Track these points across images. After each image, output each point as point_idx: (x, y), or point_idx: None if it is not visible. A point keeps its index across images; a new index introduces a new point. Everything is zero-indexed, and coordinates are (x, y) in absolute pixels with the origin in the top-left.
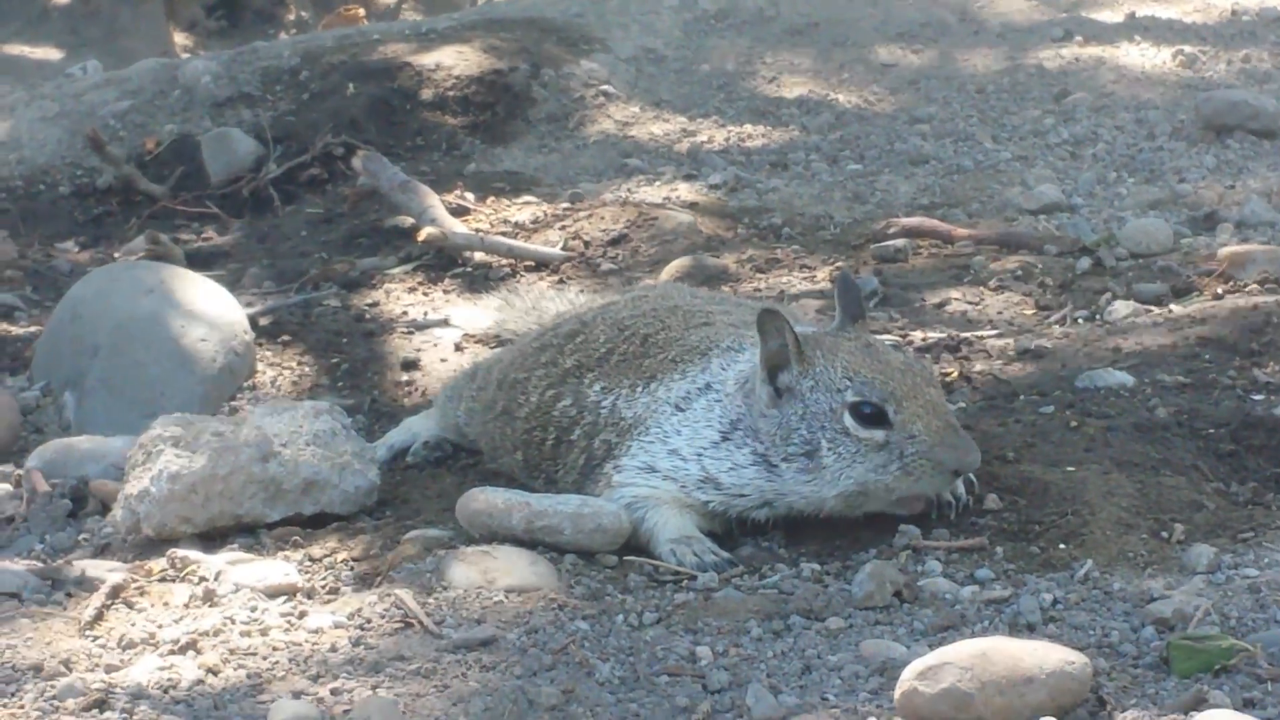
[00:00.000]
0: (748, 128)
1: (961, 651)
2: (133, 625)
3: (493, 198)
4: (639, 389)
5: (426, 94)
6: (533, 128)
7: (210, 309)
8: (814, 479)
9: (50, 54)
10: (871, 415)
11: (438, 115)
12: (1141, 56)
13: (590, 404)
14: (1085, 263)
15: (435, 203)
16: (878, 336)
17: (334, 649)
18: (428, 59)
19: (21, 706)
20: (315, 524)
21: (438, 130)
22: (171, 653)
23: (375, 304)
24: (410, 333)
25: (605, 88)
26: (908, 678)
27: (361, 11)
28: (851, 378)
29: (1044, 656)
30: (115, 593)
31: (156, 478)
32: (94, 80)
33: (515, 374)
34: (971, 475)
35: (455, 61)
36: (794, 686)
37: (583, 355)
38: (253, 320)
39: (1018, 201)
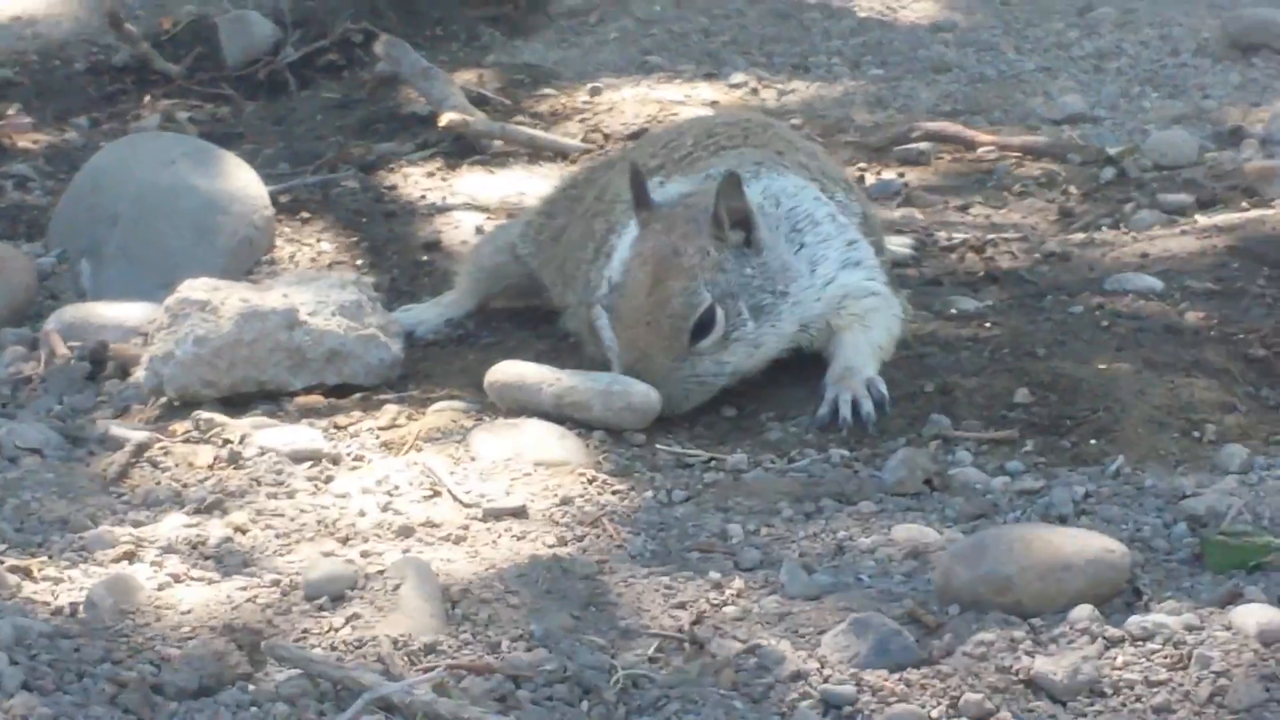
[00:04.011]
0: (769, 29)
1: (1001, 535)
2: (158, 484)
3: (512, 89)
4: None
5: None
6: (553, 22)
7: (232, 182)
8: None
9: None
10: None
11: (458, 6)
12: None
13: None
14: (1109, 172)
15: (456, 91)
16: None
17: (362, 513)
18: None
19: (50, 557)
20: (337, 394)
21: (458, 21)
22: (198, 511)
23: (393, 187)
24: (430, 215)
25: None
26: (946, 560)
27: None
28: None
29: (1084, 544)
30: (140, 451)
31: (182, 340)
32: None
33: (602, 174)
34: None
35: None
36: (827, 567)
37: (665, 157)
38: (272, 197)
39: (1041, 111)
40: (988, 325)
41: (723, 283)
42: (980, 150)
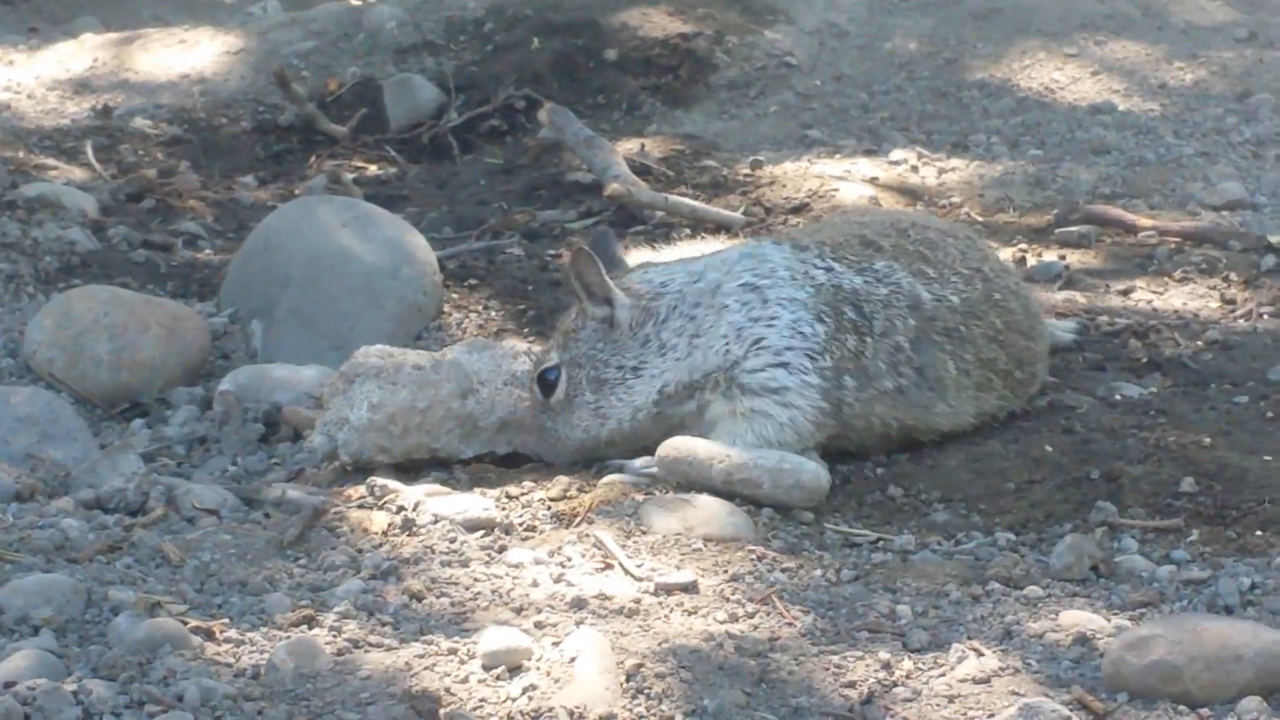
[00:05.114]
0: (929, 106)
1: (1171, 625)
2: (334, 549)
3: (673, 160)
4: None
5: (610, 53)
6: (714, 94)
7: (402, 248)
8: None
9: None
10: None
11: (620, 75)
12: None
13: None
14: (1270, 260)
15: (619, 160)
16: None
17: (535, 584)
18: (614, 19)
19: (230, 619)
20: (507, 463)
21: (620, 90)
22: (374, 577)
23: (558, 255)
24: None
25: (788, 59)
26: (1116, 648)
27: None
28: None
29: (1254, 636)
30: (316, 515)
31: (357, 406)
32: (279, 20)
33: None
34: None
35: (641, 23)
36: (995, 650)
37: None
38: (440, 262)
39: (1200, 196)
40: (1152, 413)
41: (573, 350)
42: (1141, 235)
